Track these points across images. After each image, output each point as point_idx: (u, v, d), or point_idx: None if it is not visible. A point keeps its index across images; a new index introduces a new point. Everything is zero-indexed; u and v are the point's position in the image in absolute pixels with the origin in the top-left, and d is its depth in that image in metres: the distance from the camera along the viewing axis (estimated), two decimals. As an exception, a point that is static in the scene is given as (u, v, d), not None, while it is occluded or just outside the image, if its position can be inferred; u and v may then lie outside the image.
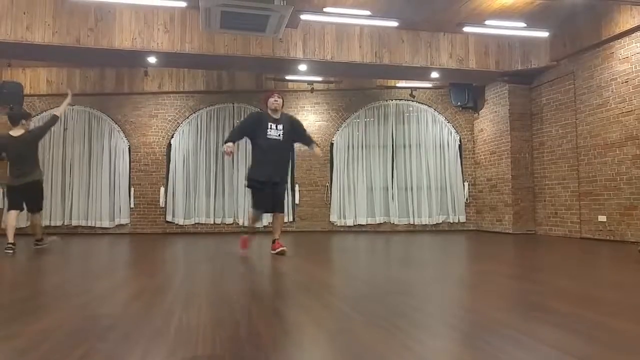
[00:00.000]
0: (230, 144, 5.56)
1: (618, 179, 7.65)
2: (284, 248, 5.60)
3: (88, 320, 2.37)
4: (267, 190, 5.52)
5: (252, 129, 5.70)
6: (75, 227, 10.55)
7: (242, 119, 6.00)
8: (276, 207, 5.74)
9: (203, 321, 2.34)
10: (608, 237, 7.78)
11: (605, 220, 7.87)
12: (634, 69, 7.38)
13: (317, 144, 6.10)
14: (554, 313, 2.52)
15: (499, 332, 2.14)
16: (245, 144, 10.88)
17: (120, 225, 10.65)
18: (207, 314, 2.50)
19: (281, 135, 5.62)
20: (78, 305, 2.75)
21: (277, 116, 5.69)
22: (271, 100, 5.71)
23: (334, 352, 1.91)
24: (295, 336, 2.14)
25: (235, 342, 1.99)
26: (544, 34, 8.72)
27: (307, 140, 5.97)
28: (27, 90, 10.25)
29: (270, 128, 5.60)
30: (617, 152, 7.66)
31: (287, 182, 6.00)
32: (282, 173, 5.72)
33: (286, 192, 5.98)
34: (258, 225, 6.04)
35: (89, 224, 10.58)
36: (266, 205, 5.65)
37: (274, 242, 5.71)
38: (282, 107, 5.78)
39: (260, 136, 5.60)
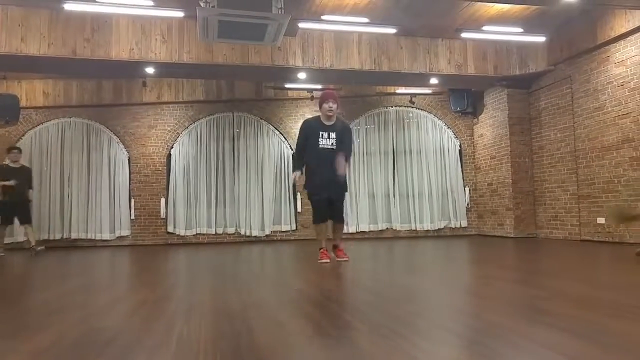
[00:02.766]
0: (297, 173, 5.48)
1: (616, 181, 7.65)
2: (347, 258, 5.49)
3: (88, 334, 2.35)
4: (325, 203, 5.43)
5: (305, 142, 5.45)
6: (75, 240, 10.48)
7: (298, 135, 5.63)
8: (334, 217, 5.56)
9: (204, 333, 2.32)
10: (607, 239, 7.77)
11: (604, 222, 7.86)
12: (629, 72, 7.40)
13: (346, 164, 5.70)
14: (556, 316, 2.51)
15: (501, 337, 2.12)
16: (246, 147, 10.89)
17: (121, 237, 10.61)
18: (208, 326, 2.48)
19: (334, 143, 5.38)
20: (77, 319, 2.73)
21: (330, 122, 5.44)
22: (325, 106, 5.42)
23: (337, 363, 1.89)
24: (297, 347, 2.12)
25: (236, 353, 1.97)
26: (540, 39, 8.74)
27: (346, 152, 5.59)
28: (23, 103, 10.26)
29: (322, 137, 5.35)
30: (615, 155, 7.66)
31: (346, 190, 5.69)
32: (338, 186, 5.45)
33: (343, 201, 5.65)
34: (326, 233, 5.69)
35: (89, 237, 10.52)
36: (324, 216, 5.52)
37: (336, 247, 5.57)
38: (336, 111, 5.49)
39: (312, 145, 5.36)
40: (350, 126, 5.88)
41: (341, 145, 5.46)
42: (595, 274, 4.43)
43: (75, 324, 2.60)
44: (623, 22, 7.36)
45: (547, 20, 8.13)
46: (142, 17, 7.75)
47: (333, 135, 5.39)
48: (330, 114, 5.40)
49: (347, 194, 5.80)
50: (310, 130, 5.46)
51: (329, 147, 5.39)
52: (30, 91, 10.50)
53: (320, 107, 5.50)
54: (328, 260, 5.41)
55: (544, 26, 8.37)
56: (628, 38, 7.42)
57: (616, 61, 7.65)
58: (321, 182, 5.38)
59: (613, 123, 7.70)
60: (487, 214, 10.53)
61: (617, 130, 7.62)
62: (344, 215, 5.77)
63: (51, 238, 10.37)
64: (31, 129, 10.69)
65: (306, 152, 5.49)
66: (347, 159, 5.57)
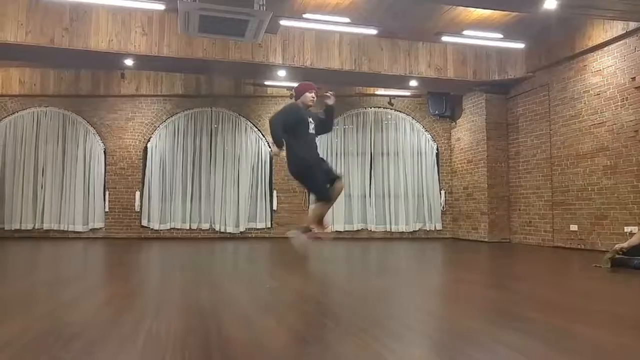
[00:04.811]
0: (278, 149, 5.09)
1: (589, 189, 7.78)
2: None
3: (53, 328, 2.31)
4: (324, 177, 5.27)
5: (293, 122, 5.20)
6: (47, 231, 10.32)
7: (280, 112, 5.32)
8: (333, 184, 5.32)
9: (173, 329, 2.29)
10: (579, 246, 7.91)
11: (576, 229, 8.00)
12: (605, 82, 7.53)
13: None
14: (525, 321, 2.54)
15: (471, 340, 2.14)
16: (225, 147, 10.82)
17: (94, 230, 10.45)
18: (177, 322, 2.46)
19: (313, 129, 5.35)
20: (44, 312, 2.67)
21: (309, 111, 5.40)
22: (309, 96, 5.30)
23: (305, 362, 1.89)
24: (266, 345, 2.11)
25: (205, 350, 1.95)
26: (520, 46, 8.86)
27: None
28: (-2, 91, 10.06)
29: (310, 122, 5.29)
30: (589, 163, 7.80)
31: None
32: (320, 165, 5.36)
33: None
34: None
35: (62, 228, 10.35)
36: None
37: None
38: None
39: (301, 131, 5.21)
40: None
41: (319, 128, 5.45)
42: (565, 280, 4.51)
43: (42, 316, 2.55)
44: (601, 32, 7.50)
45: (526, 27, 8.24)
46: (122, 9, 7.64)
47: (312, 121, 5.35)
48: (312, 104, 5.34)
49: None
50: (299, 113, 5.29)
51: (312, 132, 5.34)
52: (6, 79, 10.29)
53: (301, 95, 5.34)
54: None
55: (524, 33, 8.48)
56: (605, 48, 7.55)
57: (593, 70, 7.78)
58: (315, 162, 5.28)
59: (588, 132, 7.83)
60: (462, 218, 10.64)
61: (592, 138, 7.75)
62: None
63: (23, 228, 10.20)
64: (6, 117, 10.49)
65: (292, 137, 5.20)
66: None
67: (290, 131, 5.19)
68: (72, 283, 3.99)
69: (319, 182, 5.27)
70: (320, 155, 5.57)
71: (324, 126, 5.57)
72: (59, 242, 9.22)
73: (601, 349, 2.06)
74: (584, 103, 7.92)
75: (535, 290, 3.70)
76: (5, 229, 10.17)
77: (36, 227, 10.30)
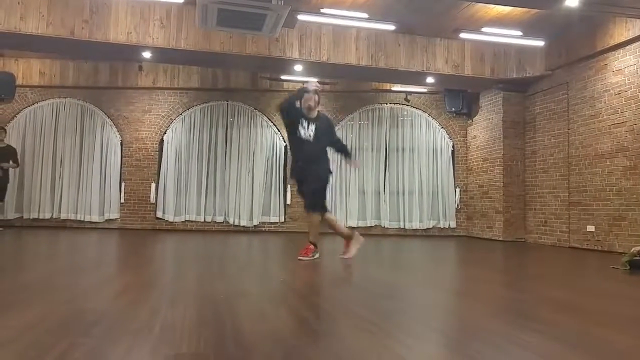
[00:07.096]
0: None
1: (607, 190, 7.68)
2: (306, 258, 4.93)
3: (72, 314, 2.35)
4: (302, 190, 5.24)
5: (290, 117, 5.17)
6: (64, 220, 10.45)
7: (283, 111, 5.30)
8: (305, 207, 5.22)
9: (188, 319, 2.32)
10: (596, 247, 7.81)
11: (593, 230, 7.90)
12: (626, 81, 7.42)
13: (351, 158, 5.67)
14: (540, 321, 2.53)
15: (484, 338, 2.14)
16: (240, 141, 10.87)
17: (109, 220, 10.56)
18: (192, 312, 2.48)
19: (311, 136, 5.11)
20: (63, 300, 2.72)
21: (312, 115, 5.17)
22: (306, 96, 5.13)
23: (318, 354, 1.90)
24: (279, 336, 2.13)
25: (219, 341, 1.97)
26: (539, 43, 8.77)
27: (339, 147, 5.52)
28: (19, 81, 10.19)
29: (302, 125, 5.11)
30: (608, 163, 7.69)
31: (315, 182, 5.15)
32: (307, 173, 5.15)
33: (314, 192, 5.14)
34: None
35: (78, 218, 10.48)
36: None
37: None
38: (318, 104, 5.18)
39: (293, 131, 5.17)
40: (335, 121, 5.73)
41: (325, 139, 5.27)
42: (582, 281, 4.47)
43: (62, 303, 2.59)
44: (623, 30, 7.37)
45: (546, 24, 8.14)
46: (141, 1, 7.70)
47: (313, 127, 5.13)
48: (310, 103, 5.13)
49: (329, 186, 5.38)
50: (295, 111, 5.14)
51: (306, 138, 5.12)
52: (27, 70, 10.43)
53: (302, 97, 5.18)
54: (306, 258, 4.96)
55: (543, 31, 8.39)
56: (627, 47, 7.42)
57: (614, 69, 7.66)
58: (296, 174, 5.24)
59: (608, 131, 7.72)
60: (477, 216, 10.57)
61: (612, 138, 7.64)
62: (313, 206, 5.14)
63: (40, 217, 10.35)
64: (26, 107, 10.64)
65: (288, 136, 5.26)
66: (348, 155, 5.62)
67: (289, 125, 5.22)
68: (90, 272, 4.05)
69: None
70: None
71: (332, 143, 5.47)
72: (75, 231, 9.35)
73: (620, 352, 2.04)
74: (604, 102, 7.81)
75: (552, 291, 3.67)
76: (24, 217, 10.34)
77: (54, 217, 10.45)
